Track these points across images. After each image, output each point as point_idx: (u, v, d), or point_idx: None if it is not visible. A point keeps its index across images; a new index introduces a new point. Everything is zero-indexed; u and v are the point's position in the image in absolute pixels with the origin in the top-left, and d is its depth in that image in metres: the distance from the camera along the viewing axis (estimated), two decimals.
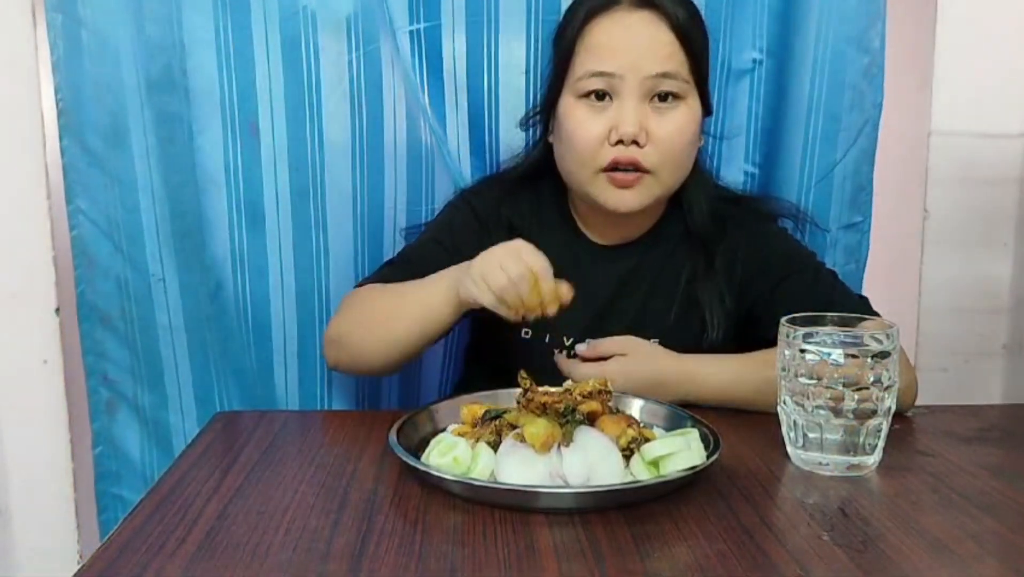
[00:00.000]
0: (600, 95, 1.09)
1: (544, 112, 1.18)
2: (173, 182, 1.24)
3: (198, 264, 1.26)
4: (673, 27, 1.07)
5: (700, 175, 1.19)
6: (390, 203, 1.28)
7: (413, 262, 1.17)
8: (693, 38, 1.09)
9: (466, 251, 1.12)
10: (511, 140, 1.28)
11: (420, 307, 1.07)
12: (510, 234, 1.17)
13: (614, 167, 1.09)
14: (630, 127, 1.07)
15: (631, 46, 1.07)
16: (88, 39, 1.19)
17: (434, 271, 1.11)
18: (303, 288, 1.28)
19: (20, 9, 1.25)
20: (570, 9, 1.15)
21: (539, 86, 1.25)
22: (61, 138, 1.22)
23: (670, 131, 1.08)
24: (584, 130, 1.10)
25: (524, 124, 1.25)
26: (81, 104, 1.21)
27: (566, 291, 0.97)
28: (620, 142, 1.08)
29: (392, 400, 1.38)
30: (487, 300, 0.98)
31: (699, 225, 1.17)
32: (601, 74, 1.08)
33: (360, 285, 1.18)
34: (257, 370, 1.30)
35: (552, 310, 0.97)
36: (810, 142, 1.27)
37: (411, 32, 1.24)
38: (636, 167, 1.08)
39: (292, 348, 1.30)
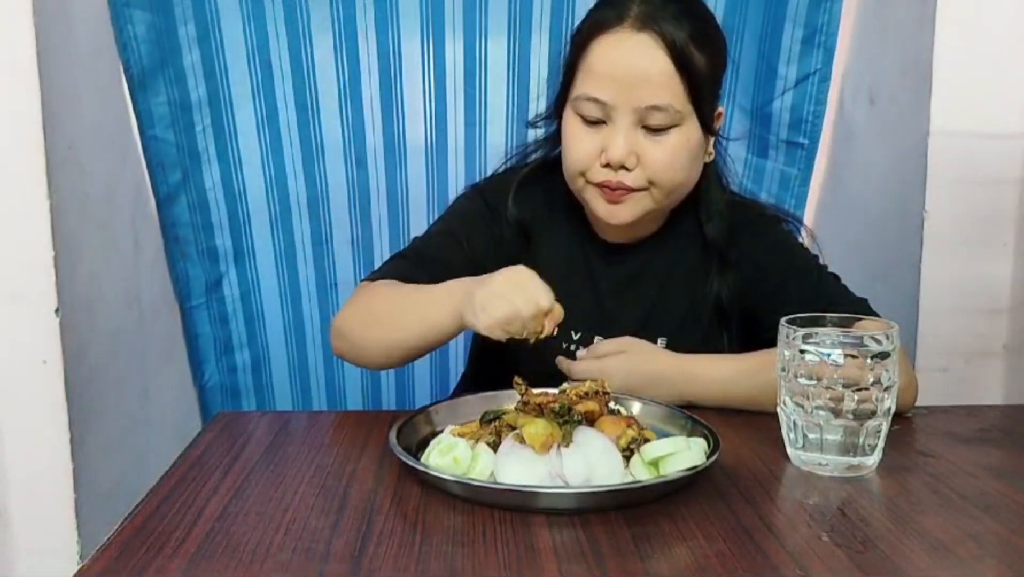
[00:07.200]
0: (594, 120, 1.10)
1: (556, 109, 1.18)
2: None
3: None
4: (672, 54, 1.05)
5: (714, 183, 1.20)
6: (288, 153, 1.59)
7: (424, 255, 1.18)
8: (694, 63, 1.07)
9: (477, 242, 1.17)
10: (499, 142, 1.51)
11: (423, 321, 1.07)
12: (520, 230, 1.20)
13: (605, 184, 1.11)
14: (618, 153, 1.08)
15: (626, 75, 1.06)
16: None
17: (446, 264, 1.13)
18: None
19: (20, 10, 1.25)
20: (586, 16, 1.14)
21: (519, 90, 1.47)
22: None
23: (660, 156, 1.09)
24: (578, 146, 1.11)
25: (532, 124, 1.26)
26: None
27: (559, 312, 0.97)
28: (609, 165, 1.09)
29: (390, 394, 1.39)
30: (490, 331, 0.97)
31: (715, 234, 1.19)
32: (595, 100, 1.08)
33: (370, 278, 1.17)
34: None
35: (553, 332, 0.97)
36: (757, 82, 1.68)
37: (421, 38, 1.46)
38: (624, 188, 1.10)
39: None
